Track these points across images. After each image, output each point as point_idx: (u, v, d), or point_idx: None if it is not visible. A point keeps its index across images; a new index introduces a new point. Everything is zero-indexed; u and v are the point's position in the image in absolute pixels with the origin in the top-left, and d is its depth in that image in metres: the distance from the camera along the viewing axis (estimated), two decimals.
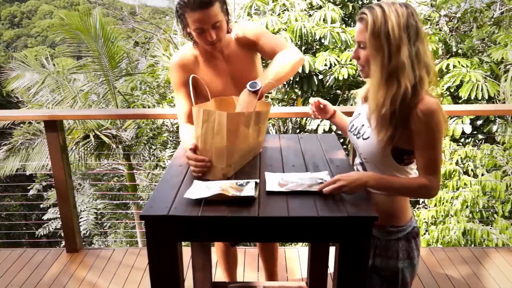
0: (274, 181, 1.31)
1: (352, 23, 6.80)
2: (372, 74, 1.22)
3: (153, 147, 7.02)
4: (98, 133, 6.32)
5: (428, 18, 6.02)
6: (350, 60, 5.61)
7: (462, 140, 5.28)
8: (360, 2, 7.04)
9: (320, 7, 6.12)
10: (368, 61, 1.22)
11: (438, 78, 5.39)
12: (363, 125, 1.33)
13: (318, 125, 5.54)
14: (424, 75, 1.18)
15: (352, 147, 2.44)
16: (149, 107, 6.66)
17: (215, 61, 1.68)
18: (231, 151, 1.34)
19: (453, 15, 5.96)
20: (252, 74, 1.72)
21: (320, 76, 5.97)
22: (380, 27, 1.16)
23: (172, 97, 6.92)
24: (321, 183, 1.28)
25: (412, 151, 1.24)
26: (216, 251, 2.18)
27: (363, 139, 1.31)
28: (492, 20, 5.74)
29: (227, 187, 1.25)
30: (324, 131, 5.41)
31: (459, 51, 5.78)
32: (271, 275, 2.27)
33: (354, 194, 1.24)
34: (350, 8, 6.61)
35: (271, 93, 6.07)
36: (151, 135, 6.57)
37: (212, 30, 1.51)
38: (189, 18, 1.49)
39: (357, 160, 1.42)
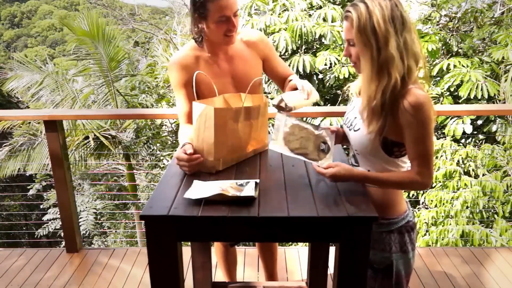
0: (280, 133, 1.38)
1: None
2: (362, 69, 1.24)
3: (153, 147, 7.02)
4: (97, 134, 6.32)
5: (429, 18, 6.02)
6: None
7: (463, 140, 5.28)
8: None
9: (320, 7, 6.13)
10: (359, 57, 1.24)
11: (438, 78, 5.39)
12: (355, 117, 1.35)
13: (318, 124, 5.52)
14: (413, 65, 1.20)
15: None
16: (147, 107, 6.66)
17: (217, 61, 1.68)
18: (220, 145, 1.38)
19: (454, 15, 5.96)
20: (253, 76, 1.72)
21: (321, 76, 5.97)
22: (365, 22, 1.17)
23: (170, 96, 6.92)
24: (323, 149, 1.31)
25: (402, 143, 1.25)
26: (216, 251, 2.18)
27: (354, 130, 1.32)
28: (493, 20, 5.74)
29: (227, 187, 1.24)
30: None
31: (460, 50, 5.78)
32: (271, 275, 2.27)
33: (354, 193, 1.25)
34: None
35: (271, 92, 6.07)
36: (150, 134, 6.57)
37: (234, 18, 1.54)
38: (213, 6, 1.50)
39: (351, 153, 1.44)
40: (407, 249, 1.34)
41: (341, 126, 1.47)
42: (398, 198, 1.35)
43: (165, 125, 6.98)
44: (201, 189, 1.24)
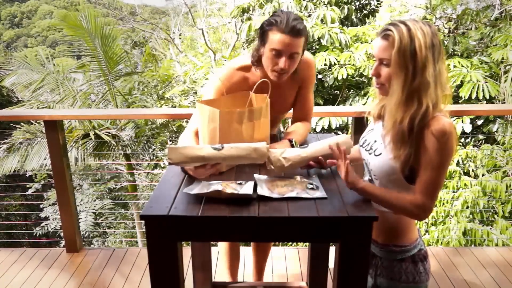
0: (263, 186, 1.28)
1: (348, 24, 6.81)
2: (392, 93, 1.19)
3: (153, 146, 7.02)
4: (98, 132, 6.31)
5: (425, 20, 6.02)
6: (349, 60, 5.60)
7: (462, 140, 5.29)
8: (356, 3, 7.05)
9: (310, 15, 6.14)
10: (390, 79, 1.19)
11: None
12: (375, 141, 1.30)
13: (317, 124, 5.53)
14: (440, 95, 1.17)
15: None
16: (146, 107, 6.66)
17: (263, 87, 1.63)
18: None
19: (450, 16, 5.97)
20: (287, 102, 1.71)
21: (320, 76, 5.97)
22: (406, 45, 1.14)
23: (168, 98, 6.91)
24: (312, 188, 1.27)
25: None
26: (220, 245, 2.18)
27: (375, 155, 1.28)
28: (490, 21, 5.74)
29: (226, 185, 1.25)
30: (324, 131, 5.41)
31: (456, 51, 5.78)
32: (260, 271, 2.26)
33: (354, 193, 1.24)
34: (346, 10, 6.63)
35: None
36: (150, 134, 6.57)
37: (287, 59, 1.49)
38: (272, 36, 1.47)
39: (366, 177, 1.37)
40: (419, 279, 1.29)
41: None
42: (411, 224, 1.30)
43: (165, 125, 6.98)
44: (200, 186, 1.25)
